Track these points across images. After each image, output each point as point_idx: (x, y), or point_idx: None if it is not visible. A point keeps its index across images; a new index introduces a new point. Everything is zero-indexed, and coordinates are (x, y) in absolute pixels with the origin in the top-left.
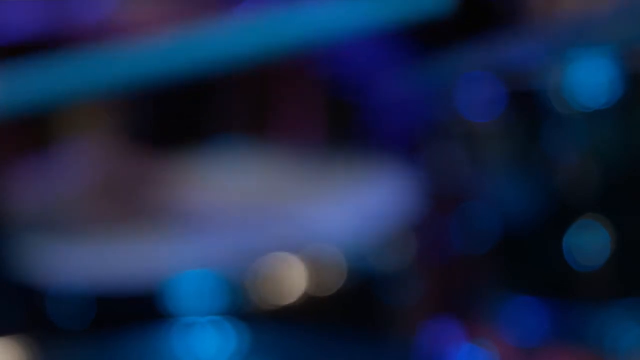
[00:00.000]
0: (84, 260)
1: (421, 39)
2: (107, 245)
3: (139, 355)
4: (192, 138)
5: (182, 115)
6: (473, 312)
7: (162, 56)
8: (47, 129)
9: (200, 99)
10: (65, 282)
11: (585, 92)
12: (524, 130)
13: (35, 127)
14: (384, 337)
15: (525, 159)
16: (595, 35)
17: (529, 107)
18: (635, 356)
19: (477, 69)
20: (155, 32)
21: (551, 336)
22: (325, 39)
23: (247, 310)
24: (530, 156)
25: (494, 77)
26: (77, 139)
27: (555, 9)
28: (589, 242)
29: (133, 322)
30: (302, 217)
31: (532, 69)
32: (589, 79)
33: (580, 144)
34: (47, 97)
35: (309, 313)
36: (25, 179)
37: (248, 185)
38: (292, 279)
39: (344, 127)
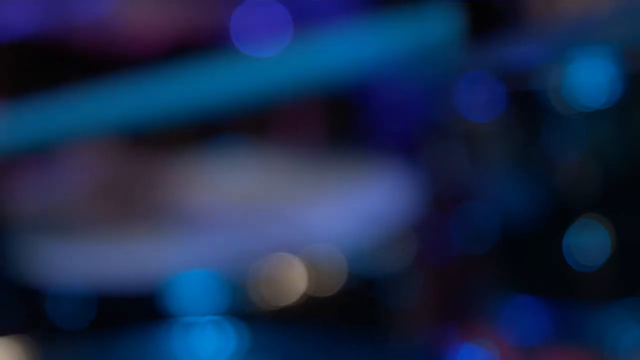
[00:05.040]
0: (84, 260)
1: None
2: (108, 246)
3: (139, 355)
4: (193, 139)
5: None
6: (473, 312)
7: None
8: None
9: None
10: (65, 282)
11: (585, 92)
12: (524, 130)
13: None
14: (384, 338)
15: (525, 159)
16: (595, 35)
17: (529, 107)
18: (635, 356)
19: (477, 69)
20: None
21: (551, 336)
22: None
23: (247, 311)
24: (530, 156)
25: (494, 77)
26: (78, 139)
27: (555, 9)
28: (589, 242)
29: (133, 322)
30: (302, 218)
31: (532, 69)
32: (589, 79)
33: (580, 144)
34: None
35: (308, 314)
36: (26, 179)
37: (248, 185)
38: (292, 280)
39: (344, 127)
